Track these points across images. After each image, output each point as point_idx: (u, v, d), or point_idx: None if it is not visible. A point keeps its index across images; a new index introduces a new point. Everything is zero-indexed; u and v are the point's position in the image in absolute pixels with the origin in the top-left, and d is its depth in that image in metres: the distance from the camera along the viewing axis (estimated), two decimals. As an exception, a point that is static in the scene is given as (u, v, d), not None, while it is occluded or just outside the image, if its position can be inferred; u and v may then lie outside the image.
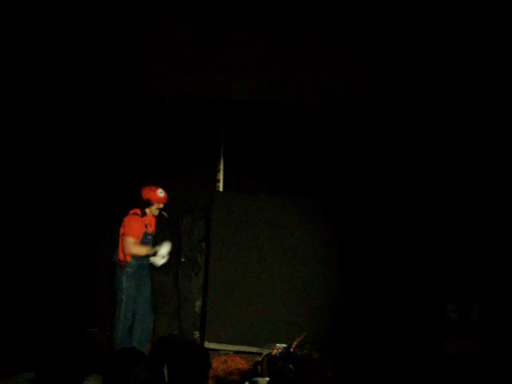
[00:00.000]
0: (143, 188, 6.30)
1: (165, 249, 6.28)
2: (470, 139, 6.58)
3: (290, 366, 2.63)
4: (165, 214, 6.62)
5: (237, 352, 6.25)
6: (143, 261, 6.27)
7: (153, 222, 6.38)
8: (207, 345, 6.50)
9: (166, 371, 3.32)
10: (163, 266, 6.38)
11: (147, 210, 6.29)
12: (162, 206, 6.34)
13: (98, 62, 5.66)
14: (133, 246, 6.16)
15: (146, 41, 5.25)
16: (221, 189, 7.15)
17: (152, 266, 6.34)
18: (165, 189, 6.39)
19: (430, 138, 6.73)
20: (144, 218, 6.27)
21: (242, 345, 6.58)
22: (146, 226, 6.28)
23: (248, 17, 4.69)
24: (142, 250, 6.22)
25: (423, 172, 6.83)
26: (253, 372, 4.04)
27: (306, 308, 6.63)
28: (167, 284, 6.80)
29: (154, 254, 6.23)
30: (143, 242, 6.24)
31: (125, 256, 6.18)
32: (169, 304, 6.84)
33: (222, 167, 7.10)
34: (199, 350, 3.50)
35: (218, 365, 3.64)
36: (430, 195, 6.80)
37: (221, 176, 7.10)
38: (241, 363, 3.71)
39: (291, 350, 2.73)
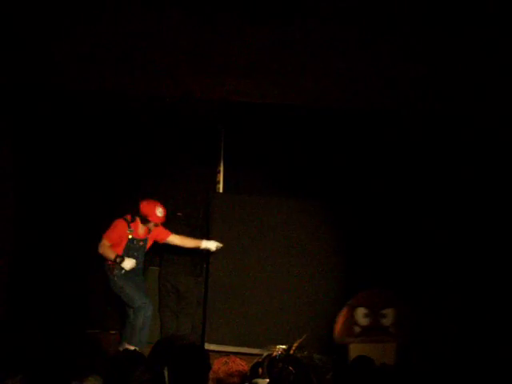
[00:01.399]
0: (143, 201, 6.31)
1: (127, 263, 6.26)
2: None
3: (290, 367, 2.63)
4: (179, 214, 6.76)
5: (237, 353, 6.27)
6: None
7: (145, 228, 6.38)
8: (207, 346, 6.49)
9: (166, 373, 3.33)
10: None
11: (140, 222, 6.33)
12: (159, 225, 6.37)
13: (97, 64, 5.66)
14: (102, 247, 6.21)
15: (146, 43, 5.25)
16: (221, 190, 7.14)
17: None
18: (164, 195, 6.47)
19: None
20: (132, 224, 6.31)
21: (242, 346, 6.58)
22: (130, 231, 6.31)
23: (248, 17, 4.69)
24: (109, 254, 6.23)
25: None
26: (253, 373, 4.04)
27: (306, 310, 6.62)
28: (190, 286, 6.82)
29: (120, 262, 6.21)
30: (128, 247, 6.30)
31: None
32: (191, 306, 6.85)
33: (222, 168, 7.10)
34: (199, 351, 3.51)
35: (218, 366, 3.65)
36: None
37: (221, 177, 7.10)
38: (241, 365, 3.71)
39: (291, 351, 2.73)
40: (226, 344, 6.60)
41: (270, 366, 2.76)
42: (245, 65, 5.54)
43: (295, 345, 2.67)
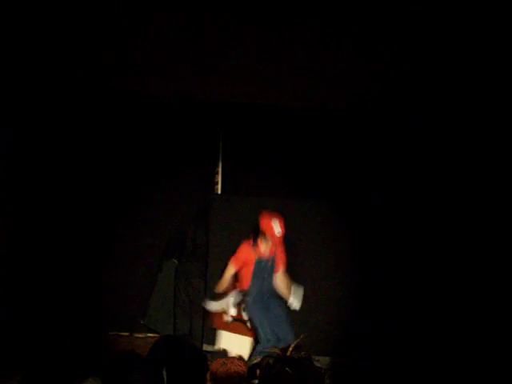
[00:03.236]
0: (262, 215, 6.00)
1: (233, 299, 6.08)
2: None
3: (287, 368, 2.63)
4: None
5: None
6: (261, 287, 6.07)
7: (268, 246, 6.02)
8: (206, 347, 6.50)
9: (164, 374, 3.32)
10: None
11: (262, 240, 6.00)
12: (275, 242, 5.94)
13: (96, 64, 5.66)
14: (225, 272, 6.09)
15: (144, 43, 5.25)
16: (219, 191, 7.14)
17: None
18: (162, 196, 6.49)
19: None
20: (257, 244, 6.03)
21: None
22: (256, 253, 6.04)
23: (247, 19, 4.70)
24: (219, 283, 6.12)
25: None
26: (251, 375, 4.04)
27: (304, 310, 6.62)
28: (201, 289, 6.78)
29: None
30: (256, 269, 6.05)
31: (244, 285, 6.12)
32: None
33: (220, 169, 7.10)
34: (197, 352, 3.50)
35: (217, 367, 3.65)
36: None
37: (219, 178, 7.10)
38: (240, 366, 3.71)
39: (288, 352, 2.72)
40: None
41: (267, 366, 2.76)
42: (243, 66, 5.54)
43: (292, 345, 2.67)
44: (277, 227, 5.90)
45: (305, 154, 7.01)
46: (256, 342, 6.21)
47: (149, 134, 6.95)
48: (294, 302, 6.11)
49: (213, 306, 6.14)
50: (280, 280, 6.16)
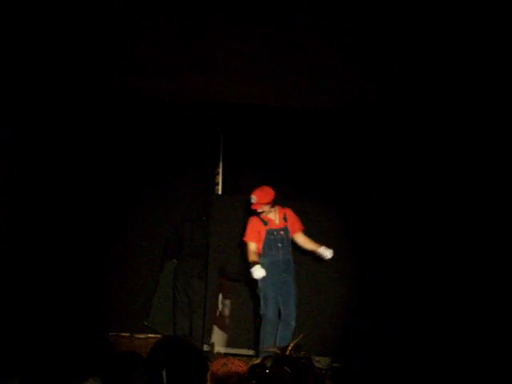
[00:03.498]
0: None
1: (256, 272, 5.92)
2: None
3: (286, 368, 2.63)
4: (204, 218, 6.70)
5: (236, 355, 6.27)
6: (275, 258, 6.07)
7: (277, 215, 6.12)
8: (206, 348, 6.50)
9: (164, 374, 3.32)
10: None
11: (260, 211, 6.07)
12: (261, 213, 6.02)
13: (97, 64, 5.66)
14: (247, 250, 6.07)
15: (145, 43, 5.25)
16: (220, 192, 7.14)
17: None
18: (162, 197, 6.53)
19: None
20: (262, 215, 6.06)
21: (241, 348, 6.59)
22: (265, 223, 6.09)
23: (248, 19, 4.70)
24: (249, 255, 6.07)
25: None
26: (251, 375, 4.04)
27: (303, 310, 6.63)
28: (200, 290, 6.76)
29: (253, 265, 5.95)
30: (268, 240, 6.07)
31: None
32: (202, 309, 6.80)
33: (220, 170, 7.10)
34: (197, 352, 3.50)
35: (217, 367, 3.65)
36: None
37: (220, 179, 7.10)
38: (240, 366, 3.71)
39: (287, 352, 2.72)
40: (225, 345, 6.61)
41: (262, 367, 2.76)
42: (244, 66, 5.54)
43: (291, 345, 2.67)
44: (251, 200, 6.00)
45: (305, 154, 7.01)
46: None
47: (149, 134, 6.95)
48: (326, 252, 6.13)
49: (258, 272, 5.95)
50: (303, 237, 6.23)
